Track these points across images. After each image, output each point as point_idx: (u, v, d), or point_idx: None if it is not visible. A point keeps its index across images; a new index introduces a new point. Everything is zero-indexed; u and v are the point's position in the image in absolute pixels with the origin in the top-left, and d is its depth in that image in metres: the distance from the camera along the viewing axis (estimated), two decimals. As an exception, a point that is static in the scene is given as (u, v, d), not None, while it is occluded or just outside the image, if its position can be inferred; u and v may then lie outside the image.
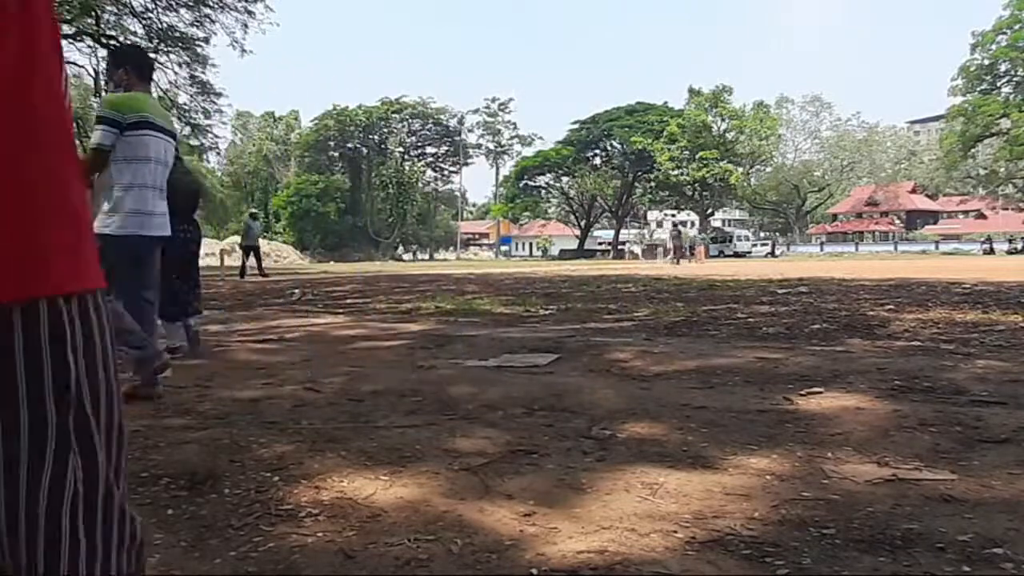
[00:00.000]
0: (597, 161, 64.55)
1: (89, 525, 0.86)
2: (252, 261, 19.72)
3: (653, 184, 63.07)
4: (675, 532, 1.76)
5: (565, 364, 4.20)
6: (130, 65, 3.89)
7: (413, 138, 71.97)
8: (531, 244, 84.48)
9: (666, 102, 62.61)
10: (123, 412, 0.98)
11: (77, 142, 0.99)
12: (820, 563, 1.59)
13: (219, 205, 62.98)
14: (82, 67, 26.63)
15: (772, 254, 54.62)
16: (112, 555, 0.88)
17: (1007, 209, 62.65)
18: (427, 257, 67.52)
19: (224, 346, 5.35)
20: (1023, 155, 48.34)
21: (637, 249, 63.03)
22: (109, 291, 2.92)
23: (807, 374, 3.70)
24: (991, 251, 48.53)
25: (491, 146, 74.85)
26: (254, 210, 25.59)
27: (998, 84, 51.10)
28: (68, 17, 22.35)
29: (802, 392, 3.26)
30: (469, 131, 73.68)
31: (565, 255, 63.90)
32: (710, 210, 63.07)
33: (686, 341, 5.16)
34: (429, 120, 71.59)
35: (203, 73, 28.74)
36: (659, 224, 79.09)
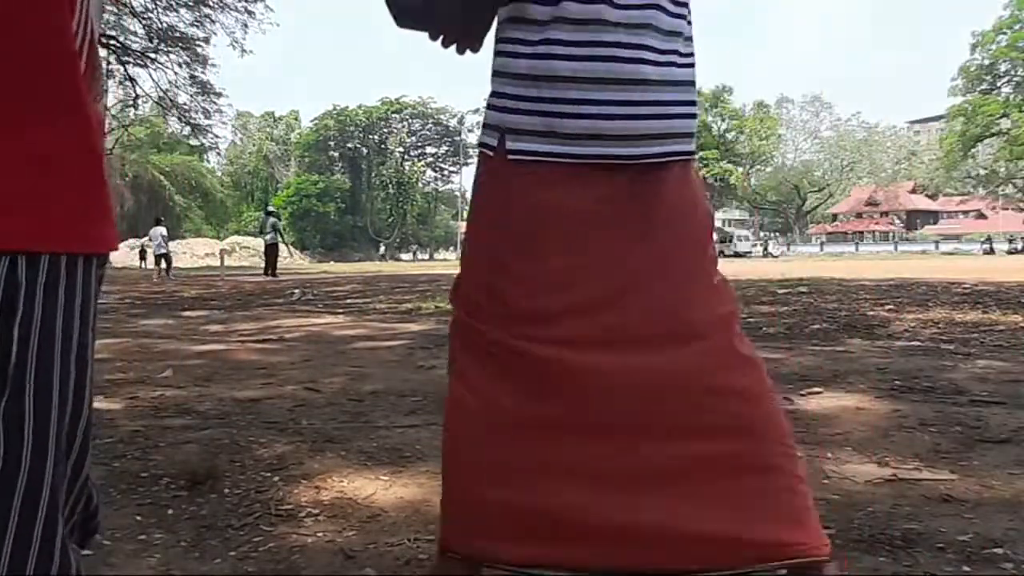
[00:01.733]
0: (597, 161, 64.50)
1: None
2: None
3: (653, 184, 62.97)
4: (675, 532, 1.76)
5: (565, 364, 4.19)
6: None
7: (413, 138, 72.03)
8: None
9: (666, 102, 62.61)
10: (87, 413, 0.82)
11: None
12: (820, 563, 1.58)
13: (219, 205, 63.02)
14: (82, 67, 26.59)
15: (767, 254, 54.48)
16: (27, 562, 0.73)
17: (1007, 209, 62.66)
18: (427, 257, 67.49)
19: (224, 346, 5.36)
20: (1023, 155, 48.36)
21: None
22: None
23: (807, 374, 3.70)
24: (991, 251, 48.52)
25: (491, 146, 74.83)
26: (271, 207, 25.51)
27: (998, 84, 51.12)
28: (68, 17, 22.30)
29: (802, 392, 3.26)
30: (469, 131, 73.70)
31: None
32: (710, 210, 63.02)
33: (686, 341, 5.16)
34: (429, 120, 71.61)
35: (203, 73, 28.71)
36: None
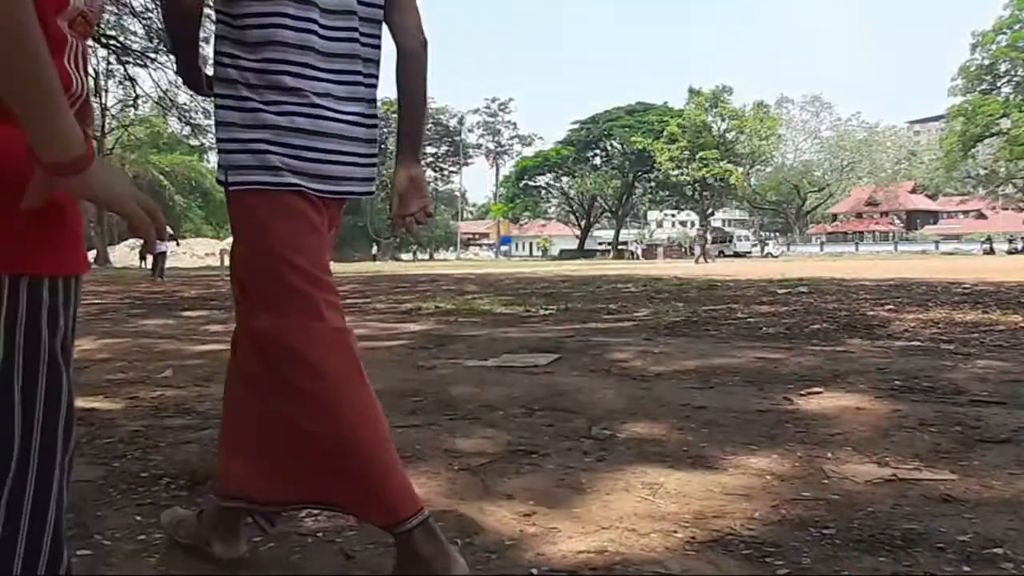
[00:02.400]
0: (597, 161, 64.53)
1: None
2: None
3: (653, 184, 63.11)
4: (675, 532, 1.76)
5: (565, 364, 4.20)
6: None
7: (413, 138, 71.83)
8: (531, 244, 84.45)
9: (666, 102, 62.62)
10: (69, 414, 0.89)
11: None
12: (820, 563, 1.59)
13: (219, 205, 62.95)
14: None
15: (767, 254, 54.33)
16: (17, 543, 0.80)
17: (1007, 209, 62.62)
18: (427, 257, 67.45)
19: (224, 346, 5.35)
20: (1023, 155, 48.33)
21: (638, 249, 63.01)
22: None
23: (807, 374, 3.70)
24: (991, 251, 48.50)
25: (491, 146, 74.93)
26: None
27: (998, 84, 51.10)
28: (68, 17, 22.29)
29: (802, 392, 3.26)
30: (469, 131, 73.76)
31: (565, 255, 63.91)
32: (710, 210, 63.04)
33: (686, 341, 5.16)
34: (429, 120, 71.41)
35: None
36: (659, 224, 79.14)
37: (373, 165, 1.61)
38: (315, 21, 1.49)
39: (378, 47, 1.61)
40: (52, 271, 0.87)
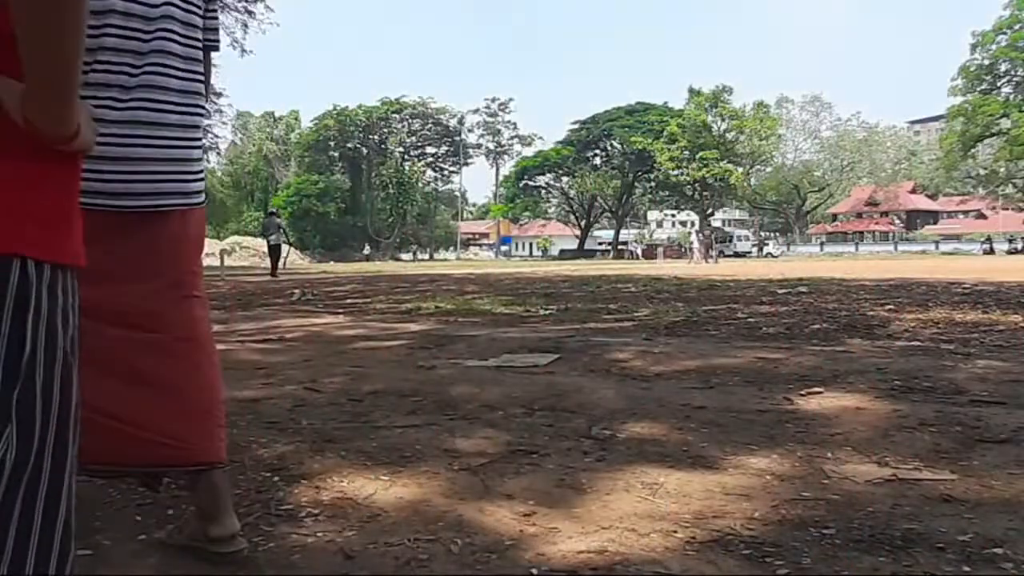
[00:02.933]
0: (597, 161, 64.59)
1: (7, 503, 0.81)
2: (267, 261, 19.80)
3: (653, 184, 63.18)
4: (675, 532, 1.76)
5: (565, 364, 4.20)
6: None
7: (413, 138, 71.92)
8: (531, 244, 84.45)
9: (666, 102, 62.66)
10: (76, 403, 0.91)
11: None
12: (820, 563, 1.59)
13: (219, 205, 62.99)
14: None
15: (767, 254, 54.24)
16: (31, 537, 0.83)
17: (1007, 209, 62.63)
18: (427, 257, 67.45)
19: (224, 346, 5.35)
20: (1023, 155, 48.34)
21: (638, 249, 63.06)
22: None
23: (807, 374, 3.70)
24: (991, 251, 48.50)
25: (491, 146, 74.90)
26: (273, 208, 25.66)
27: (998, 84, 51.13)
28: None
29: (802, 392, 3.26)
30: (469, 131, 73.74)
31: (565, 255, 63.96)
32: (710, 210, 63.04)
33: (686, 341, 5.16)
34: (429, 120, 71.51)
35: (203, 73, 28.57)
36: (659, 224, 79.16)
37: (187, 181, 1.75)
38: (129, 64, 1.68)
39: (200, 82, 1.78)
40: (75, 261, 0.90)
